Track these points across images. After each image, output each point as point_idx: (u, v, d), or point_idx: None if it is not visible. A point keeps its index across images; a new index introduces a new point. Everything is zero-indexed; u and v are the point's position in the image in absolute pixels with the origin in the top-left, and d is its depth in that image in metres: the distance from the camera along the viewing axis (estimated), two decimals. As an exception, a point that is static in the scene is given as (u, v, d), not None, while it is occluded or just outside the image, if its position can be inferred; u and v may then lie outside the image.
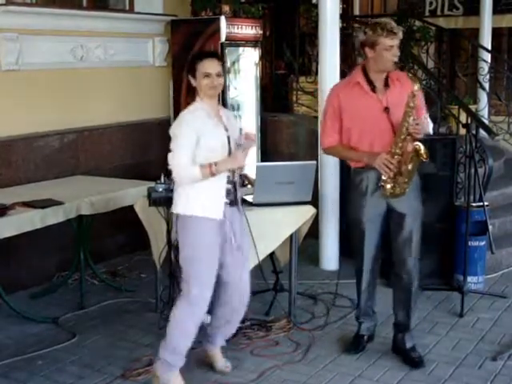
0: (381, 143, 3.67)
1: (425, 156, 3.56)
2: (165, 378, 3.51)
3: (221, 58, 3.73)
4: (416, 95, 3.56)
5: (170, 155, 3.41)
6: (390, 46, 3.60)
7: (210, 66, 3.45)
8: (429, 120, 3.78)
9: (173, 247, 4.04)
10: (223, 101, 6.09)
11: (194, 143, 3.37)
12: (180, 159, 3.36)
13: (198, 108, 3.49)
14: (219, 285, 3.61)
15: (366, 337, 4.05)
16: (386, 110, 3.66)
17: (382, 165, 3.60)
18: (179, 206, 3.49)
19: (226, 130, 3.51)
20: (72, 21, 5.44)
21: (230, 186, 3.50)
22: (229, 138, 3.49)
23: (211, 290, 3.52)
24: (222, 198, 3.48)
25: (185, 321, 3.49)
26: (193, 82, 3.50)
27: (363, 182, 3.75)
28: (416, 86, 3.56)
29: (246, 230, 3.69)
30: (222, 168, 3.40)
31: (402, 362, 3.83)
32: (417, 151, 3.56)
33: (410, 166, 3.61)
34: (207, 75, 3.42)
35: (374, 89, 3.69)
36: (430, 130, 3.80)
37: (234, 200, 3.55)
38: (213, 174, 3.37)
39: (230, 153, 3.48)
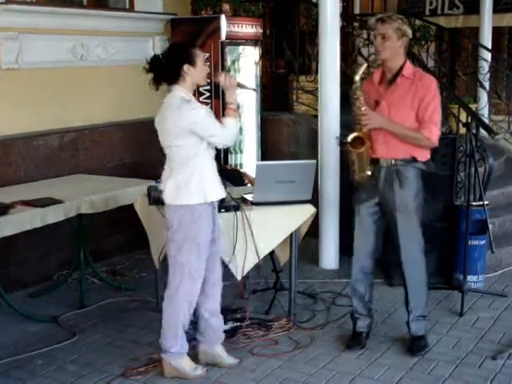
0: (373, 134, 3.75)
1: (354, 148, 3.60)
2: (178, 364, 3.61)
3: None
4: (357, 88, 3.62)
5: (212, 137, 3.48)
6: (378, 34, 3.67)
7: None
8: (427, 135, 3.70)
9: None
10: (223, 100, 6.08)
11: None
12: (218, 129, 3.50)
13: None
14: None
15: (364, 334, 4.05)
16: (377, 104, 3.73)
17: None
18: (184, 198, 3.48)
19: None
20: (72, 20, 5.44)
21: None
22: None
23: None
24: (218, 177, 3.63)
25: (182, 309, 3.59)
26: (190, 70, 3.50)
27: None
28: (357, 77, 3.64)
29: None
30: (232, 100, 3.63)
31: (402, 360, 3.83)
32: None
33: (353, 156, 3.67)
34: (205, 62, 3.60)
35: (380, 82, 3.75)
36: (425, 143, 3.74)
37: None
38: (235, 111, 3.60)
39: None
